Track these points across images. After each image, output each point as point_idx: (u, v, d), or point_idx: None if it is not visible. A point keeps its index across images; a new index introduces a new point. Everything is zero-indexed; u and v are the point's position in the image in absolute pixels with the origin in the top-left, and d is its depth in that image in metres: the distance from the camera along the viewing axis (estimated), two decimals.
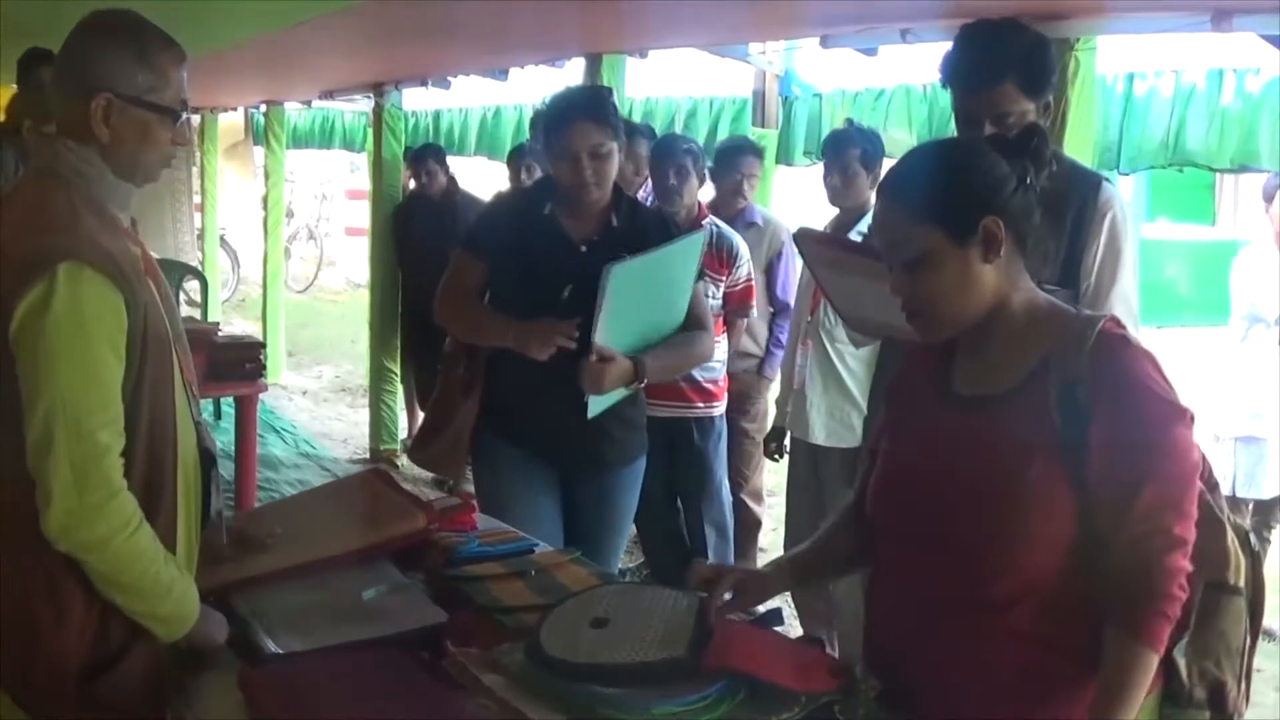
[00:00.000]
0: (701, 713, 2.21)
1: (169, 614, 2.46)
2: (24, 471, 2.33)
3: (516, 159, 8.42)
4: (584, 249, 3.81)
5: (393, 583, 2.81)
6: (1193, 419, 2.16)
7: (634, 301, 3.66)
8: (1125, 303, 3.19)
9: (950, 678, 2.23)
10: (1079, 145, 4.27)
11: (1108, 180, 3.33)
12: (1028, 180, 2.24)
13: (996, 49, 3.18)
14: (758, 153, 6.12)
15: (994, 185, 2.21)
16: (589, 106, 3.79)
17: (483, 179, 11.00)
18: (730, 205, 6.04)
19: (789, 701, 2.24)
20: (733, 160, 6.02)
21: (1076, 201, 3.19)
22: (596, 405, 3.72)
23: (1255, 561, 2.33)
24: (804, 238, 3.73)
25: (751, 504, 6.17)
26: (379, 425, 9.35)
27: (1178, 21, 3.97)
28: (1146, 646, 2.05)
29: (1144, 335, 3.08)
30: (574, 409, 3.67)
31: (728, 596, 2.53)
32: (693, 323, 3.95)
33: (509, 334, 3.71)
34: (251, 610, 2.62)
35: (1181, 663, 2.19)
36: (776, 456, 5.39)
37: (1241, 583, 2.26)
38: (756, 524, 6.29)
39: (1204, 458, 2.27)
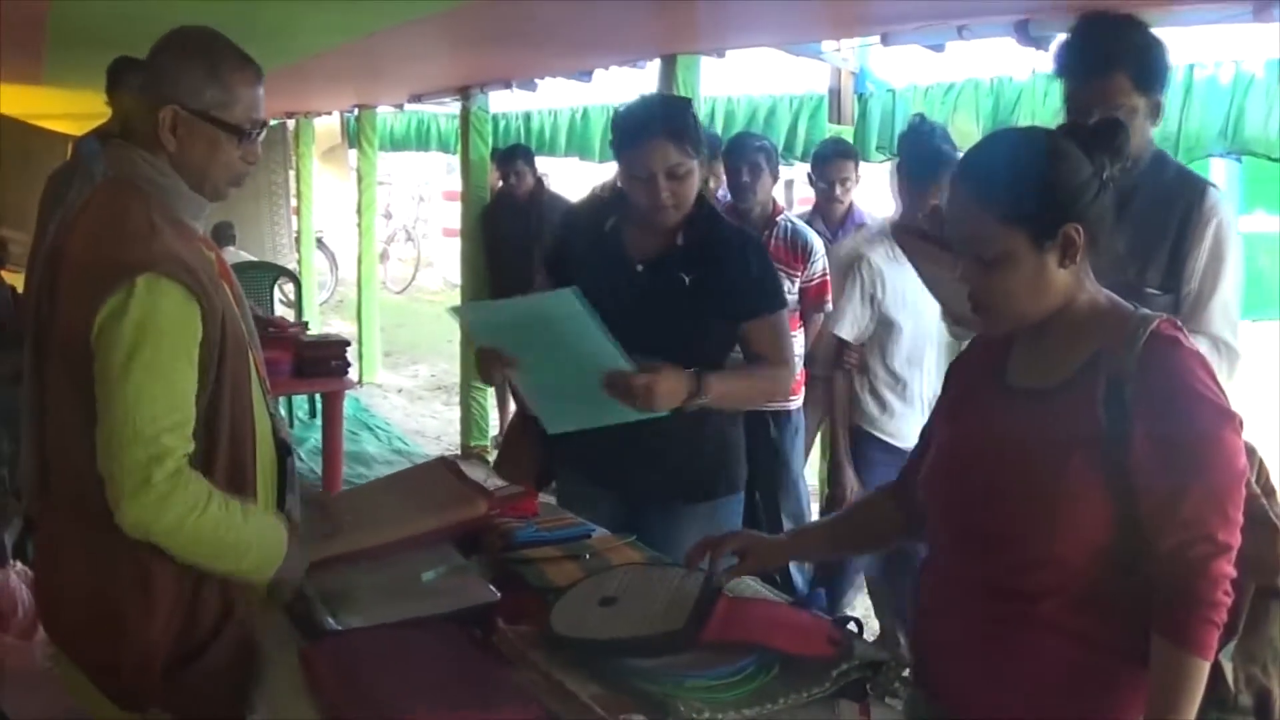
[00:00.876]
0: (735, 686, 2.26)
1: (253, 566, 2.56)
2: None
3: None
4: (640, 268, 3.51)
5: (452, 565, 2.91)
6: (1241, 423, 2.13)
7: (531, 347, 3.27)
8: (1225, 311, 3.16)
9: (982, 664, 2.26)
10: None
11: (1214, 186, 3.27)
12: (1105, 178, 2.21)
13: (1111, 40, 3.16)
14: (849, 154, 6.17)
15: (1078, 191, 2.18)
16: (667, 122, 3.40)
17: (574, 179, 11.14)
18: (830, 209, 6.13)
19: (820, 676, 2.29)
20: (821, 166, 6.11)
21: (1182, 207, 3.16)
22: (554, 417, 3.45)
23: None
24: (903, 233, 3.69)
25: None
26: (469, 422, 9.50)
27: (1221, 13, 3.97)
28: (1194, 654, 2.03)
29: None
30: (631, 438, 3.34)
31: (735, 562, 2.62)
32: (771, 357, 3.54)
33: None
34: (317, 591, 2.71)
35: (1228, 667, 2.17)
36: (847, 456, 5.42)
37: None
38: None
39: (1261, 463, 2.28)
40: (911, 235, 3.65)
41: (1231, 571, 2.05)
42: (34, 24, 6.35)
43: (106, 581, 2.50)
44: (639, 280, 3.49)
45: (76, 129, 10.87)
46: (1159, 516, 2.08)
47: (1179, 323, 2.23)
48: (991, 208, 2.19)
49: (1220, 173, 10.78)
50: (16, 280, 8.57)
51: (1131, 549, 2.12)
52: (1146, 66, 3.14)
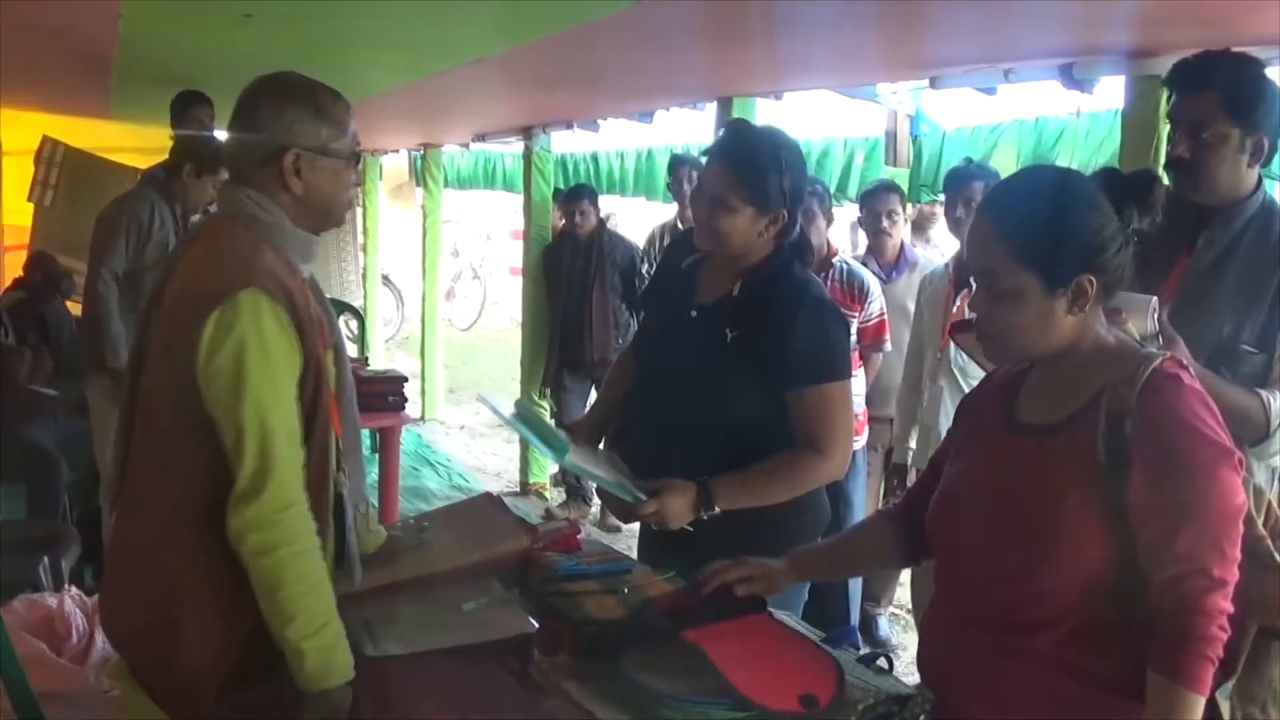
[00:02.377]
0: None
1: (314, 650, 2.48)
2: (195, 479, 2.54)
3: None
4: (694, 313, 3.37)
5: (494, 597, 2.96)
6: (1241, 461, 2.15)
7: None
8: None
9: (982, 695, 2.29)
10: None
11: None
12: (1131, 230, 2.24)
13: (1212, 61, 3.16)
14: (894, 189, 6.24)
15: (1098, 244, 2.21)
16: (735, 153, 3.25)
17: (638, 219, 11.21)
18: (881, 245, 6.20)
19: (845, 712, 2.36)
20: (868, 201, 6.20)
21: None
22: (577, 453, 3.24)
23: None
24: (959, 331, 3.57)
25: None
26: (529, 459, 9.55)
27: None
28: (1187, 689, 2.04)
29: None
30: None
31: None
32: (808, 438, 3.26)
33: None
34: (360, 619, 2.77)
35: (1225, 706, 2.18)
36: (899, 491, 5.45)
37: None
38: None
39: (1271, 505, 2.29)
40: (966, 334, 3.62)
41: (1227, 607, 2.06)
42: (102, 60, 6.52)
43: (172, 590, 2.55)
44: (689, 326, 3.38)
45: (144, 162, 11.09)
46: (1154, 550, 2.10)
47: (1184, 361, 2.25)
48: (1008, 244, 2.23)
49: None
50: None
51: (1128, 584, 2.14)
52: (1242, 95, 3.09)
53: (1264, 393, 3.00)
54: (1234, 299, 3.08)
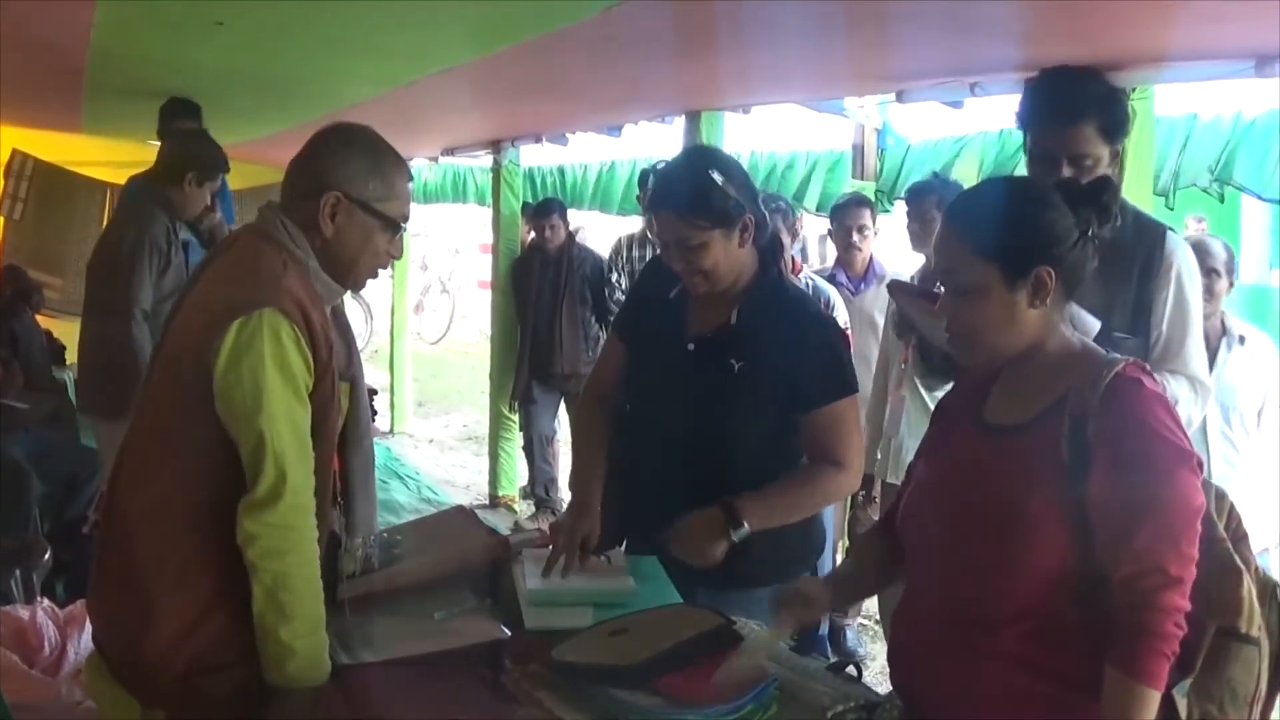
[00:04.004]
0: None
1: (304, 650, 2.54)
2: (187, 476, 2.59)
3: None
4: (691, 346, 3.29)
5: (465, 607, 2.98)
6: (1200, 464, 2.21)
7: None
8: (1197, 351, 3.25)
9: (948, 694, 2.33)
10: (1138, 189, 4.35)
11: (1173, 230, 3.35)
12: (1089, 233, 2.33)
13: (1077, 90, 3.28)
14: (865, 203, 6.33)
15: (1056, 238, 2.30)
16: (673, 197, 3.19)
17: (606, 232, 11.25)
18: (851, 259, 6.27)
19: (817, 712, 2.40)
20: (839, 214, 6.30)
21: (1143, 252, 3.24)
22: (534, 614, 3.00)
23: None
24: (896, 289, 3.76)
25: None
26: (498, 472, 9.60)
27: (1224, 69, 4.03)
28: (1143, 684, 2.08)
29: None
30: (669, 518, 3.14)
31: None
32: (827, 454, 3.23)
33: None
34: (333, 629, 2.75)
35: (1182, 704, 2.21)
36: (864, 502, 5.49)
37: (1255, 631, 2.26)
38: None
39: (1232, 508, 2.34)
40: (902, 290, 3.71)
41: (1184, 604, 2.11)
42: (72, 72, 6.49)
43: (151, 577, 2.59)
44: (687, 362, 3.29)
45: (115, 176, 11.03)
46: (1113, 548, 2.16)
47: (1146, 365, 2.31)
48: (970, 242, 2.32)
49: (1257, 224, 10.84)
50: (52, 325, 8.78)
51: (1090, 582, 2.19)
52: (1111, 115, 3.22)
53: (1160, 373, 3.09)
54: (1101, 289, 3.13)
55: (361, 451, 2.89)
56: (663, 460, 3.35)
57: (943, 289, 2.41)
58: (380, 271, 2.86)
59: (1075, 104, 3.23)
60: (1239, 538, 2.32)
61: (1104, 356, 2.32)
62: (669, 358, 3.34)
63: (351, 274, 2.78)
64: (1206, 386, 3.29)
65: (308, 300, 2.62)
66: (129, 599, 2.62)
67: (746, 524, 3.06)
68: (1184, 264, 3.27)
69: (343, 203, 2.67)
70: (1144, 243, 3.26)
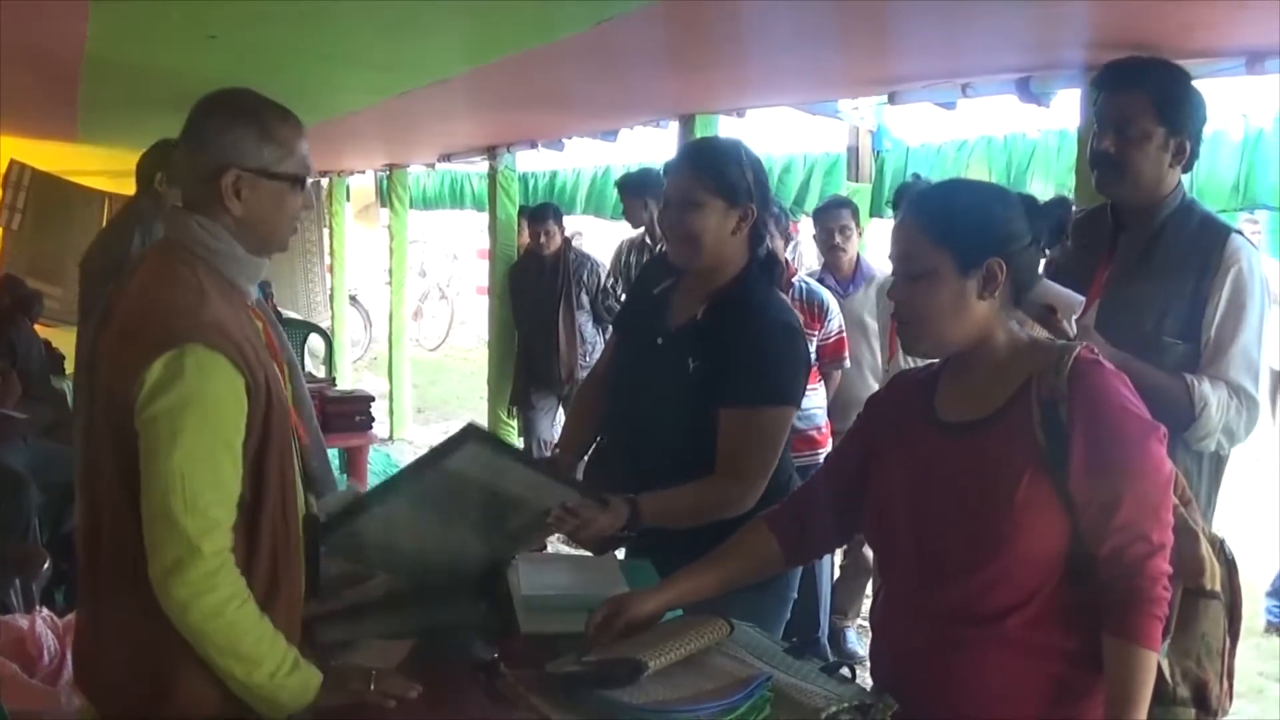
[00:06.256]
0: None
1: (288, 679, 2.43)
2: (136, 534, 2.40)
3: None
4: (660, 341, 3.30)
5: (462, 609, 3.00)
6: (1165, 435, 2.31)
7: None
8: (1246, 358, 3.11)
9: (950, 690, 2.36)
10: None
11: (1238, 232, 3.25)
12: (1040, 243, 2.42)
13: (1142, 64, 3.30)
14: (847, 205, 6.35)
15: (1010, 235, 2.38)
16: (696, 154, 3.32)
17: (604, 237, 11.25)
18: (836, 260, 6.28)
19: (810, 713, 2.37)
20: (821, 217, 6.31)
21: (1202, 253, 3.16)
22: (530, 618, 2.93)
23: (1231, 569, 2.46)
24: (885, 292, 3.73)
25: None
26: None
27: (1215, 67, 4.04)
28: (1143, 648, 2.19)
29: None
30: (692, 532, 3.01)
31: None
32: (728, 459, 3.14)
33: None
34: (331, 635, 2.79)
35: (1164, 664, 2.31)
36: None
37: (1217, 587, 2.40)
38: (868, 570, 6.24)
39: (1177, 475, 2.42)
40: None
41: (1168, 569, 2.23)
42: (67, 81, 6.49)
43: (153, 641, 2.44)
44: (656, 354, 3.31)
45: (111, 185, 11.01)
46: (1098, 523, 2.25)
47: (1094, 349, 2.38)
48: (927, 230, 2.39)
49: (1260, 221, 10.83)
50: (50, 334, 8.78)
51: (1082, 559, 2.27)
52: (1170, 96, 3.19)
53: (1189, 376, 3.09)
54: (1156, 292, 3.16)
55: (312, 435, 2.83)
56: (629, 447, 3.38)
57: (896, 274, 2.45)
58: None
59: (1131, 71, 3.25)
60: (1185, 502, 2.43)
61: (1058, 344, 2.41)
62: (640, 352, 3.40)
63: (273, 241, 2.67)
64: (1254, 399, 3.14)
65: (230, 316, 2.50)
66: (136, 666, 2.48)
67: (641, 522, 3.04)
68: (1246, 267, 3.15)
69: (244, 177, 2.55)
70: (1204, 244, 3.18)
